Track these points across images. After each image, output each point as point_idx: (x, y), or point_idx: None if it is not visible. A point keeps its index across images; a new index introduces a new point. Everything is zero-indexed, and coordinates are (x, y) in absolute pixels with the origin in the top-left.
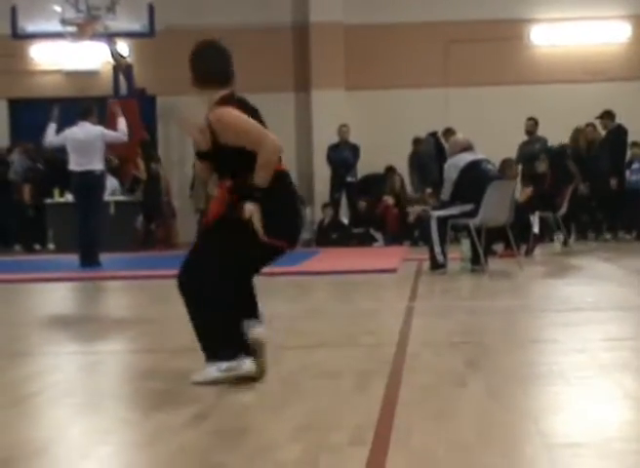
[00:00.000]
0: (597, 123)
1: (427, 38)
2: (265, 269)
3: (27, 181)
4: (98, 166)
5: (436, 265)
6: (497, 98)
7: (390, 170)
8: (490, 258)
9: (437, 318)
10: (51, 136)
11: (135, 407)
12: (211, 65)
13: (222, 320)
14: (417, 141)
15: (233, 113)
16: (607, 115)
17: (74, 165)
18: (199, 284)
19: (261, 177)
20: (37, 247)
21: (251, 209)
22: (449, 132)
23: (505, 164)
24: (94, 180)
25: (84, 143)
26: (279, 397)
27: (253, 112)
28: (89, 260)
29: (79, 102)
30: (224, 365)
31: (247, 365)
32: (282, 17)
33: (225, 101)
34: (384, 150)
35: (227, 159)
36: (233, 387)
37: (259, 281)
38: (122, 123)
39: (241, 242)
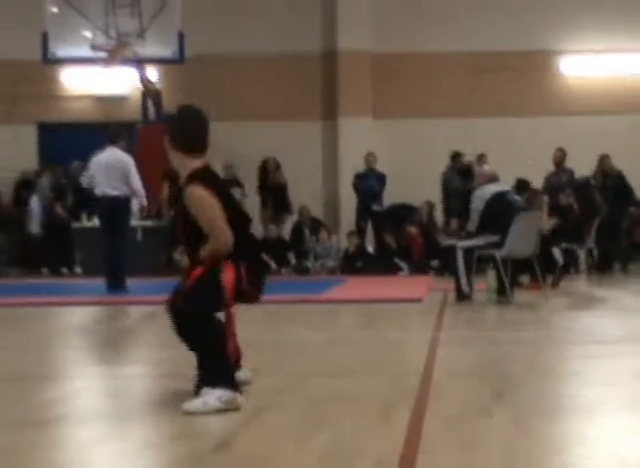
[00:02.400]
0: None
1: (455, 68)
2: (292, 297)
3: (57, 200)
4: (122, 191)
5: (462, 296)
6: (524, 129)
7: (427, 204)
8: (516, 290)
9: (462, 348)
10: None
11: (161, 431)
12: (193, 133)
13: (222, 351)
14: (456, 156)
15: (202, 193)
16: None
17: (99, 189)
18: (197, 313)
19: (205, 262)
20: (64, 270)
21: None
22: (482, 157)
23: (532, 195)
24: (118, 205)
25: (109, 168)
26: (304, 424)
27: (221, 187)
28: (115, 285)
29: (108, 127)
30: (225, 396)
31: (240, 399)
32: (311, 45)
33: (198, 177)
34: (411, 179)
35: (194, 230)
36: (257, 414)
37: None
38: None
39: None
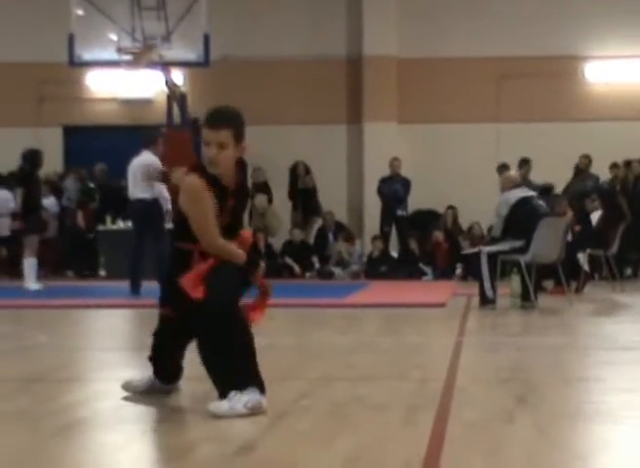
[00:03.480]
0: None
1: (480, 73)
2: (315, 301)
3: (80, 206)
4: (150, 193)
5: (486, 301)
6: (549, 135)
7: (450, 208)
8: (540, 295)
9: (486, 353)
10: None
11: (184, 435)
12: None
13: (249, 351)
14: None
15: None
16: None
17: (129, 193)
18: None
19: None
20: (88, 273)
21: None
22: (504, 167)
23: (554, 200)
24: (146, 207)
25: (135, 172)
26: (327, 429)
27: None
28: (138, 288)
29: (142, 131)
30: (252, 401)
31: (264, 402)
32: (336, 49)
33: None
34: (435, 184)
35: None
36: (281, 418)
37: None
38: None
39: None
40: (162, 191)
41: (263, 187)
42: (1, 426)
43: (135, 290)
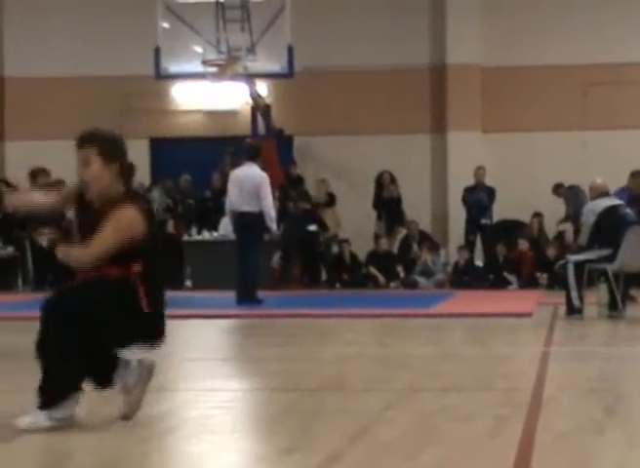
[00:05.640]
0: None
1: (565, 81)
2: (400, 311)
3: (173, 215)
4: (254, 207)
5: (573, 310)
6: (636, 142)
7: (536, 216)
8: (628, 304)
9: (573, 363)
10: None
11: (270, 445)
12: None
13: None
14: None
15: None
16: None
17: (232, 204)
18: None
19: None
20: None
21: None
22: (558, 187)
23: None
24: (250, 220)
25: (244, 184)
26: (414, 439)
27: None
28: (246, 297)
29: (245, 144)
30: (58, 413)
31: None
32: (419, 58)
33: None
34: (520, 193)
35: None
36: (366, 430)
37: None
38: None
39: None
40: (268, 209)
41: (330, 198)
42: (93, 434)
43: (251, 298)
